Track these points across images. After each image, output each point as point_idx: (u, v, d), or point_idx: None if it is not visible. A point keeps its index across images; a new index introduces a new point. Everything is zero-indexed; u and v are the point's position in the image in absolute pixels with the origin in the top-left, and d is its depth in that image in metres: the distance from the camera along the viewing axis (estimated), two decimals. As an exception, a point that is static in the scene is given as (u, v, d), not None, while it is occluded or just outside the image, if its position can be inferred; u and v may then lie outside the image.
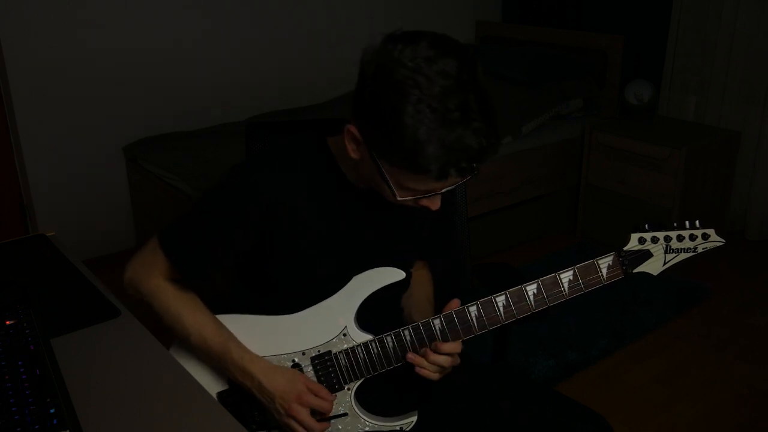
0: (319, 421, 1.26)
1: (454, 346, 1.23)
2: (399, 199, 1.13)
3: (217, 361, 1.27)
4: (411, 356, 1.24)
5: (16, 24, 2.88)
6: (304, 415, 1.23)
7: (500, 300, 1.23)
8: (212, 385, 1.31)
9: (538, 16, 4.23)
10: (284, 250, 1.25)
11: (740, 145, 3.42)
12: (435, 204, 1.16)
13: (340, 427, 1.29)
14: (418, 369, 1.24)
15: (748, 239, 3.53)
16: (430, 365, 1.23)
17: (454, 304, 1.25)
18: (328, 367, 1.28)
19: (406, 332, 1.25)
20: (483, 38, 4.38)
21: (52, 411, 0.98)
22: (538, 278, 1.23)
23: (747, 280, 3.13)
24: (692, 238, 1.23)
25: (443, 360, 1.23)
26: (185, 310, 1.27)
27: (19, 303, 1.27)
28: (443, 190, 1.12)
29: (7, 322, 1.20)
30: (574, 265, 1.23)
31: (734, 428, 2.23)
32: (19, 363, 1.09)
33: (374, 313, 1.29)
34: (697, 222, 1.24)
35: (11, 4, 2.85)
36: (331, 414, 1.28)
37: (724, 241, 1.24)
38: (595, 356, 2.57)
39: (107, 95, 3.18)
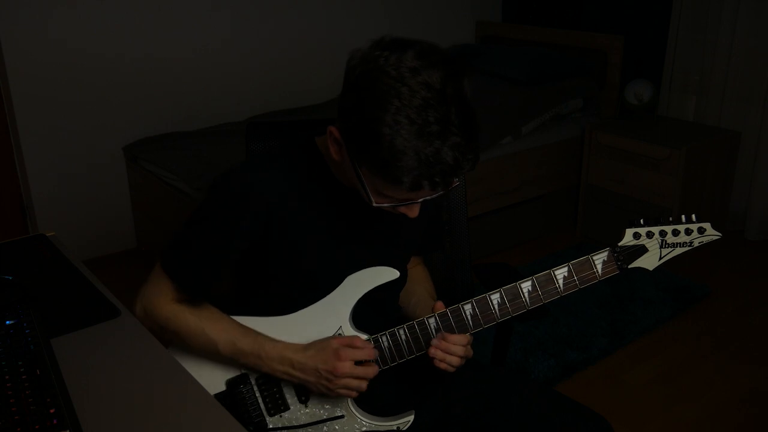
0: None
1: (461, 338, 1.24)
2: (375, 204, 1.13)
3: (251, 361, 1.26)
4: (432, 351, 1.23)
5: (17, 24, 2.88)
6: (350, 367, 1.21)
7: (495, 297, 1.24)
8: (209, 389, 1.30)
9: (538, 16, 4.23)
10: (277, 251, 1.25)
11: (740, 145, 3.42)
12: (413, 212, 1.16)
13: (336, 427, 1.29)
14: (437, 362, 1.24)
15: (748, 239, 3.53)
16: (447, 355, 1.23)
17: (439, 306, 1.26)
18: None
19: (401, 331, 1.26)
20: (483, 38, 4.38)
21: (52, 411, 0.98)
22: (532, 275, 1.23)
23: (747, 280, 3.12)
24: (688, 232, 1.23)
25: (456, 349, 1.23)
26: (206, 322, 1.27)
27: (19, 303, 1.27)
28: (420, 200, 1.12)
29: (7, 322, 1.20)
30: (571, 261, 1.23)
31: (734, 428, 2.23)
32: (19, 363, 1.09)
33: (369, 312, 1.29)
34: (693, 216, 1.24)
35: (12, 5, 2.85)
36: (329, 416, 1.29)
37: (720, 234, 1.24)
38: (595, 356, 2.57)
39: (107, 95, 3.18)
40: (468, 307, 1.24)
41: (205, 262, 1.27)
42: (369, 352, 1.24)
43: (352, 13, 3.84)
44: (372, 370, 1.24)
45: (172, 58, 3.32)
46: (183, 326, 1.27)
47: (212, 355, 1.28)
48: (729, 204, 3.52)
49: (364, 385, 1.23)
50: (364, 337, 1.27)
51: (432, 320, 1.25)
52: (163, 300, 1.28)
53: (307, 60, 3.76)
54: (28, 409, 0.98)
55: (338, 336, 1.27)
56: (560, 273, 1.23)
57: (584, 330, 2.70)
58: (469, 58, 3.78)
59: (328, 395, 1.25)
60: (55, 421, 0.96)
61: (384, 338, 1.26)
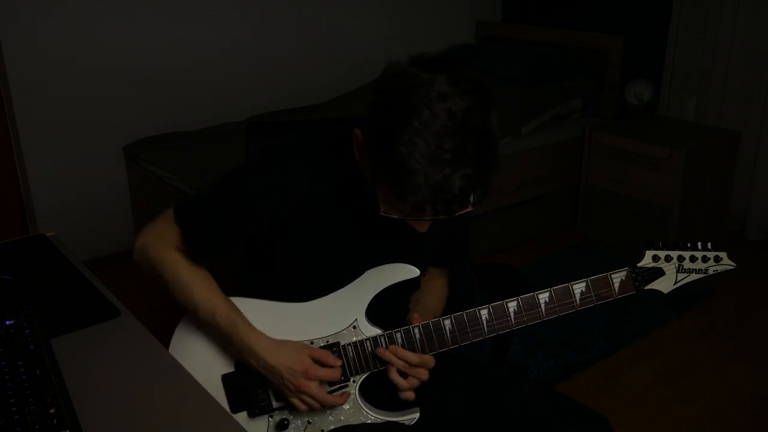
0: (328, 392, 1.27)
1: (413, 357, 1.24)
2: (382, 213, 1.13)
3: (223, 338, 1.27)
4: (380, 350, 1.25)
5: (17, 24, 2.88)
6: (314, 388, 1.23)
7: (512, 306, 1.25)
8: (217, 368, 1.30)
9: (538, 16, 4.23)
10: (300, 243, 1.26)
11: (740, 145, 3.42)
12: (422, 227, 1.16)
13: (342, 418, 1.29)
14: (395, 382, 1.25)
15: (748, 239, 3.53)
16: (397, 374, 1.24)
17: (415, 319, 1.27)
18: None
19: (416, 329, 1.26)
20: (483, 38, 4.38)
21: (52, 411, 0.98)
22: (549, 286, 1.25)
23: (747, 280, 3.12)
24: (705, 259, 1.26)
25: (412, 358, 1.24)
26: (197, 283, 1.26)
27: (19, 303, 1.27)
28: (428, 218, 1.12)
29: (7, 322, 1.20)
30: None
31: (735, 430, 2.23)
32: (19, 363, 1.09)
33: (383, 309, 1.30)
34: (709, 244, 1.27)
35: (12, 5, 2.85)
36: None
37: (734, 265, 1.26)
38: (595, 356, 2.57)
39: (107, 95, 3.18)
40: (484, 312, 1.25)
41: (218, 228, 1.27)
42: (335, 375, 1.25)
43: (352, 13, 3.84)
44: (331, 399, 1.25)
45: (172, 58, 3.32)
46: (173, 276, 1.26)
47: (193, 317, 1.28)
48: (729, 204, 3.52)
49: (318, 405, 1.25)
50: (378, 331, 1.27)
51: (447, 322, 1.26)
52: (163, 243, 1.28)
53: (307, 60, 3.76)
54: (28, 409, 0.98)
55: (310, 347, 1.26)
56: (578, 288, 1.25)
57: (584, 330, 2.70)
58: (469, 58, 3.79)
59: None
60: (55, 421, 0.96)
61: (398, 335, 1.27)
